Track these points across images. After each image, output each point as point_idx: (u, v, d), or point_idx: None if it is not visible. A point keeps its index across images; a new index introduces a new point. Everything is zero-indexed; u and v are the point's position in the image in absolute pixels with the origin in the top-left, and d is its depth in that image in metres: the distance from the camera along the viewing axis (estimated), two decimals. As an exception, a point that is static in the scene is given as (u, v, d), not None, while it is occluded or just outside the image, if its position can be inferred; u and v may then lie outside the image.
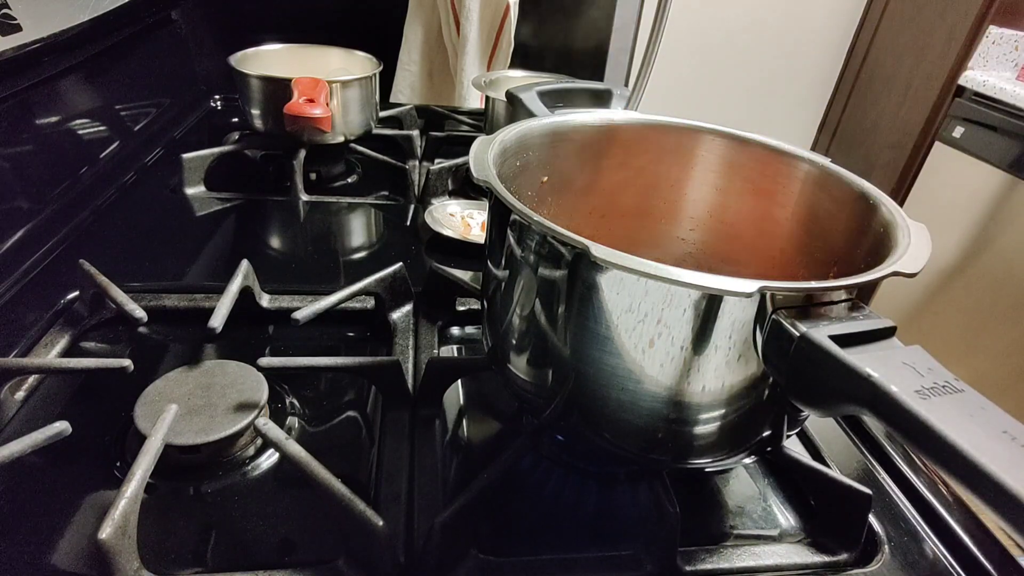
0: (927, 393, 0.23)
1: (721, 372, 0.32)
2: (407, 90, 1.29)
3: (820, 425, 0.50)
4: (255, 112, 0.79)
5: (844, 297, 0.30)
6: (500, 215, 0.37)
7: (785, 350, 0.29)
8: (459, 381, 0.51)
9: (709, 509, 0.43)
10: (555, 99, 0.69)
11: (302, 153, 0.79)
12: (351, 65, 0.89)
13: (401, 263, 0.56)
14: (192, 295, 0.56)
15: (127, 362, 0.43)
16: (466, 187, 0.84)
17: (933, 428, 0.21)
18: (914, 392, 0.23)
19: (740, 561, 0.39)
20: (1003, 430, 0.21)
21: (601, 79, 1.31)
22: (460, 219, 0.73)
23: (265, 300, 0.55)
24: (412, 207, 0.79)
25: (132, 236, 0.66)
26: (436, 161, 0.89)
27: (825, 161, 0.44)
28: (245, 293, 0.52)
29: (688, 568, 0.38)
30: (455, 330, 0.58)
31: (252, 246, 0.68)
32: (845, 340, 0.27)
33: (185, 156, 0.75)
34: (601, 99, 0.75)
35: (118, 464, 0.40)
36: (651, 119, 0.49)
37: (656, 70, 0.77)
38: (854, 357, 0.25)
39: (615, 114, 0.50)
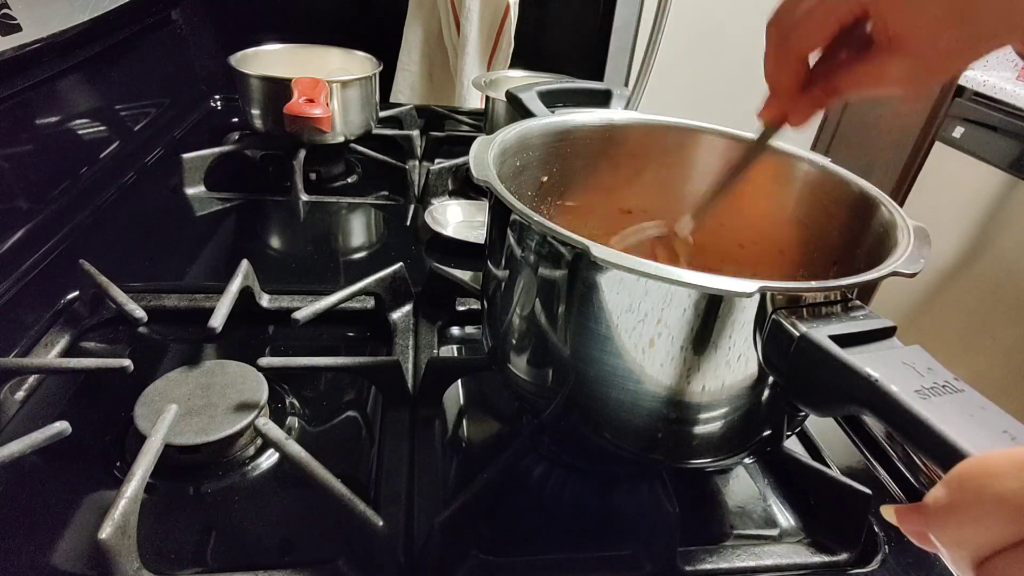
0: (927, 393, 0.23)
1: (721, 372, 0.32)
2: (407, 90, 1.29)
3: (820, 425, 0.50)
4: (255, 112, 0.79)
5: (844, 297, 0.30)
6: (500, 215, 0.37)
7: (785, 350, 0.29)
8: (459, 381, 0.51)
9: (709, 509, 0.43)
10: (555, 99, 0.69)
11: (302, 153, 0.79)
12: (351, 65, 0.89)
13: (401, 263, 0.56)
14: (192, 295, 0.56)
15: (127, 362, 0.43)
16: (466, 187, 0.84)
17: (933, 428, 0.21)
18: (914, 392, 0.23)
19: (740, 561, 0.39)
20: (1003, 430, 0.21)
21: (601, 79, 1.31)
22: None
23: (265, 300, 0.55)
24: (412, 207, 0.79)
25: (132, 236, 0.66)
26: (436, 161, 0.88)
27: (825, 161, 0.44)
28: (245, 293, 0.52)
29: (688, 568, 0.38)
30: (455, 330, 0.58)
31: (252, 246, 0.68)
32: (845, 340, 0.27)
33: (185, 156, 0.75)
34: (601, 99, 0.75)
35: (118, 464, 0.40)
36: (651, 119, 0.49)
37: (656, 70, 0.77)
38: (854, 357, 0.25)
39: (615, 114, 0.50)
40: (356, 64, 0.89)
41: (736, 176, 0.41)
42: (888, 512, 0.22)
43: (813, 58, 0.35)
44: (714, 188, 0.43)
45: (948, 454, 0.20)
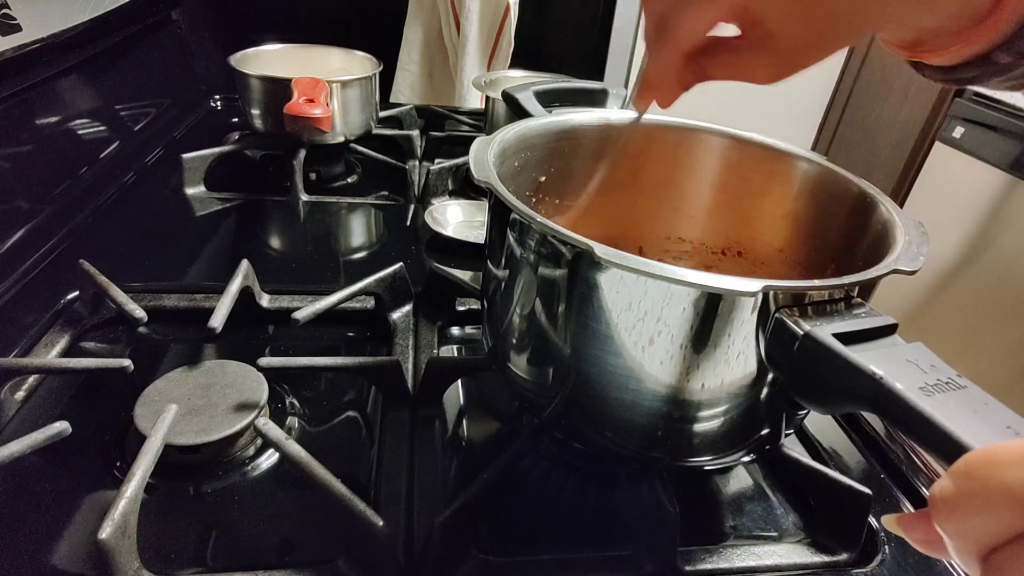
0: (931, 390, 0.23)
1: (720, 370, 0.32)
2: (407, 90, 1.29)
3: (820, 425, 0.50)
4: (255, 112, 0.79)
5: (846, 295, 0.30)
6: (500, 215, 0.37)
7: (788, 348, 0.29)
8: (459, 381, 0.51)
9: (709, 509, 0.43)
10: (552, 99, 0.69)
11: (302, 153, 0.79)
12: (351, 65, 0.89)
13: (401, 263, 0.56)
14: (192, 295, 0.56)
15: (127, 362, 0.43)
16: (466, 187, 0.84)
17: (938, 424, 0.21)
18: (918, 389, 0.23)
19: (740, 561, 0.39)
20: (1007, 425, 0.21)
21: (601, 79, 1.31)
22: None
23: (265, 300, 0.55)
24: (412, 207, 0.79)
25: (132, 236, 0.66)
26: (436, 161, 0.88)
27: (824, 160, 0.44)
28: (245, 293, 0.52)
29: (688, 568, 0.38)
30: (455, 330, 0.58)
31: (252, 246, 0.67)
32: (848, 338, 0.27)
33: (185, 156, 0.75)
34: (597, 98, 0.74)
35: (118, 464, 0.40)
36: (650, 119, 0.49)
37: (656, 70, 0.77)
38: (858, 354, 0.25)
39: (613, 114, 0.49)
40: (356, 64, 0.89)
41: (610, 161, 0.41)
42: (891, 522, 0.22)
43: None
44: (595, 176, 0.43)
45: (953, 450, 0.20)
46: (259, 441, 0.43)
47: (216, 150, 0.79)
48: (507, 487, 0.41)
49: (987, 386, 0.23)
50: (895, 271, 0.30)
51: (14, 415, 0.43)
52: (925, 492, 0.44)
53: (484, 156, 0.38)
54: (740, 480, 0.45)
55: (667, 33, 0.31)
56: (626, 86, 1.22)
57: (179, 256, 0.63)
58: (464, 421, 0.48)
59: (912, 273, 0.31)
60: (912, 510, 0.43)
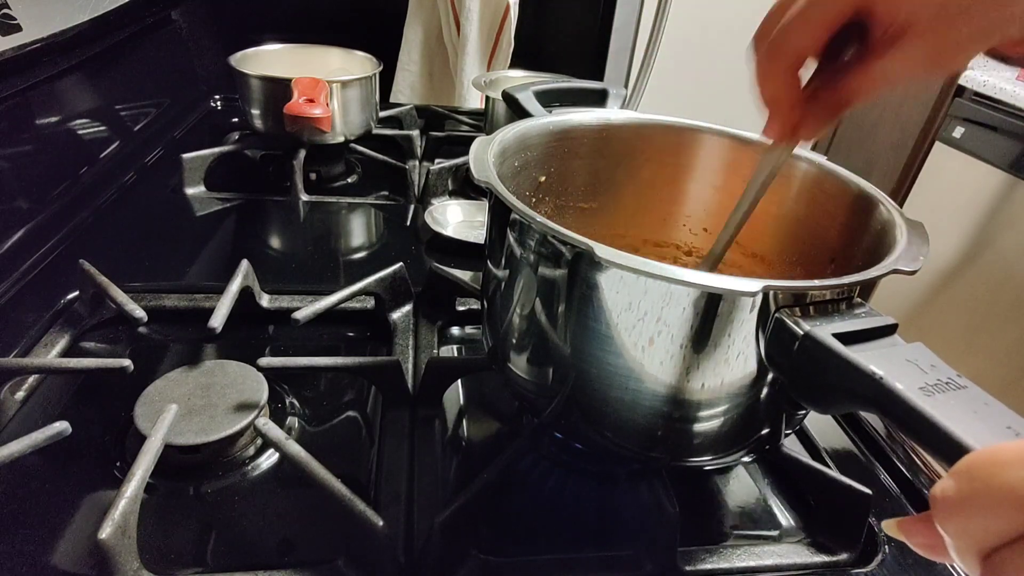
0: (931, 390, 0.23)
1: (720, 370, 0.32)
2: (407, 90, 1.29)
3: (820, 425, 0.50)
4: (255, 112, 0.79)
5: (846, 295, 0.30)
6: (500, 215, 0.37)
7: (788, 348, 0.29)
8: (459, 381, 0.51)
9: (709, 509, 0.43)
10: (551, 99, 0.69)
11: (302, 153, 0.79)
12: (351, 65, 0.89)
13: (401, 263, 0.56)
14: (192, 295, 0.56)
15: (127, 362, 0.43)
16: (466, 187, 0.84)
17: (938, 424, 0.21)
18: (918, 389, 0.23)
19: (740, 561, 0.39)
20: (1007, 425, 0.21)
21: (601, 79, 1.31)
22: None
23: (265, 300, 0.55)
24: (412, 207, 0.79)
25: (132, 236, 0.66)
26: (436, 161, 0.88)
27: (824, 160, 0.44)
28: (245, 293, 0.52)
29: (688, 568, 0.38)
30: (455, 330, 0.58)
31: (252, 246, 0.67)
32: (848, 338, 0.27)
33: (185, 156, 0.75)
34: (597, 98, 0.75)
35: (118, 464, 0.40)
36: (650, 119, 0.49)
37: (656, 70, 0.77)
38: (858, 355, 0.25)
39: (613, 114, 0.50)
40: (356, 64, 0.89)
41: (759, 196, 0.39)
42: (891, 527, 0.22)
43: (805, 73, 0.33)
44: (739, 215, 0.40)
45: (953, 450, 0.20)
46: (259, 441, 0.43)
47: (216, 150, 0.79)
48: (507, 487, 0.41)
49: (987, 386, 0.23)
50: (895, 271, 0.30)
51: (14, 415, 0.43)
52: (925, 492, 0.44)
53: (484, 156, 0.38)
54: (740, 480, 0.45)
55: (777, 47, 0.30)
56: (626, 86, 1.23)
57: (179, 256, 0.63)
58: (464, 421, 0.48)
59: (912, 273, 0.31)
60: (913, 510, 0.43)
